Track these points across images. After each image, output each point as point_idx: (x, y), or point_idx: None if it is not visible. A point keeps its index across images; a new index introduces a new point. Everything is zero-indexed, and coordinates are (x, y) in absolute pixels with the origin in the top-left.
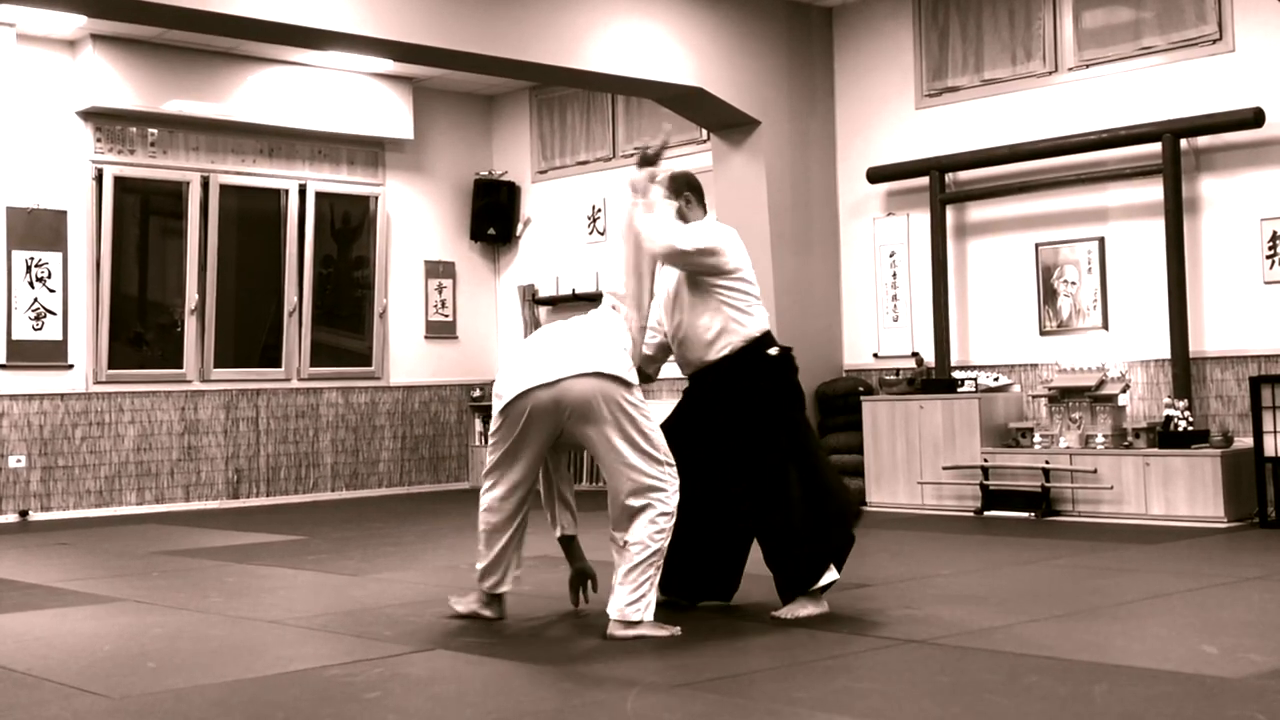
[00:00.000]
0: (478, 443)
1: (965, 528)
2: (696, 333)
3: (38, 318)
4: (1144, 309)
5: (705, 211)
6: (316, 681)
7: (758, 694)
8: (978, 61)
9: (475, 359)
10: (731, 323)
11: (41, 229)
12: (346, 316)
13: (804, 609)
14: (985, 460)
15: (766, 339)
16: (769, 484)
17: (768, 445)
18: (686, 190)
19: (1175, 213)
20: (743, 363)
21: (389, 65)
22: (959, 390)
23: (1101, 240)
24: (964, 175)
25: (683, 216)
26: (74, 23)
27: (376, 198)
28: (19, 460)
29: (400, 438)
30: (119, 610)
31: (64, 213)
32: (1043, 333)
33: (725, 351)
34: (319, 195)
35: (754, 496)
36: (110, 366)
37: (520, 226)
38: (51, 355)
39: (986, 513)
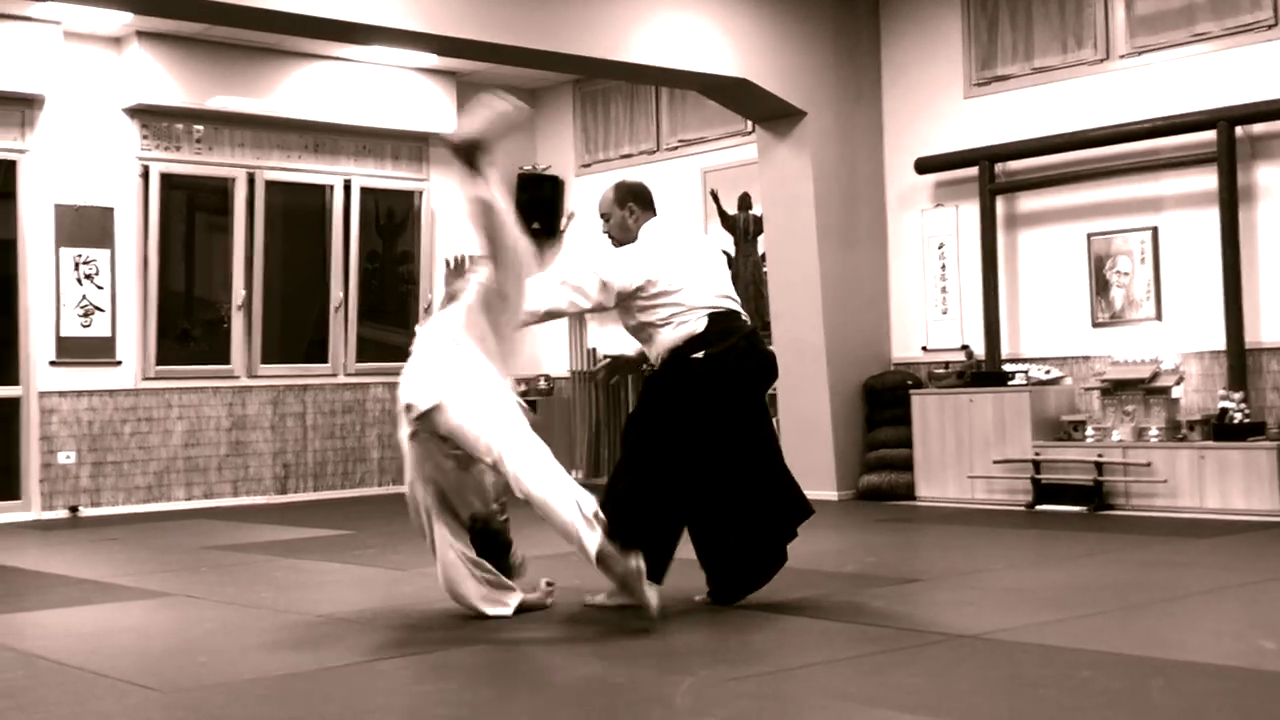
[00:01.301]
0: None
1: (1017, 522)
2: (635, 338)
3: (86, 315)
4: (1198, 299)
5: (654, 213)
6: (366, 675)
7: (807, 689)
8: (1028, 49)
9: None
10: (654, 334)
11: (89, 226)
12: (392, 312)
13: (599, 596)
14: (1037, 454)
15: (693, 343)
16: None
17: (678, 451)
18: (630, 201)
19: (1230, 202)
20: (666, 371)
21: (433, 60)
22: (1010, 383)
23: (1155, 230)
24: (1014, 165)
25: (625, 227)
26: (120, 20)
27: (421, 192)
28: (69, 456)
29: None
30: (169, 605)
31: (111, 210)
32: (1095, 324)
33: (655, 360)
34: (364, 190)
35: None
36: (158, 363)
37: (565, 220)
38: (100, 352)
39: (1038, 507)
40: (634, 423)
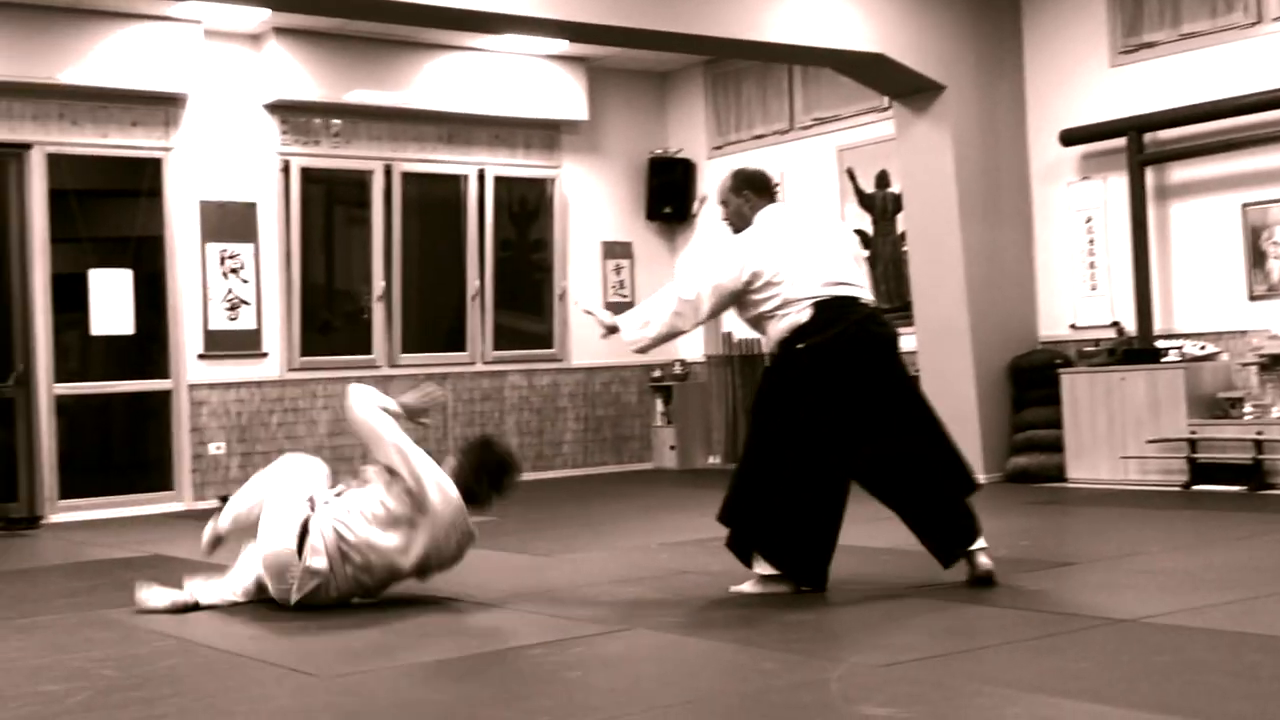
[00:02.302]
0: (659, 423)
1: (1173, 503)
2: (753, 329)
3: (232, 308)
4: None
5: (771, 199)
6: (519, 660)
7: (965, 674)
8: (1175, 15)
9: None
10: (766, 325)
11: (233, 221)
12: (527, 299)
13: (743, 585)
14: (1192, 432)
15: (797, 334)
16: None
17: (801, 443)
18: (746, 188)
19: None
20: (775, 363)
21: (563, 46)
22: (1163, 360)
23: None
24: (1164, 135)
25: (741, 214)
26: (258, 17)
27: (553, 180)
28: (218, 447)
29: (583, 419)
30: None
31: (254, 205)
32: (1252, 297)
33: (769, 350)
34: (497, 180)
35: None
36: (303, 354)
37: (697, 204)
38: (246, 344)
39: (1194, 487)
40: (753, 418)
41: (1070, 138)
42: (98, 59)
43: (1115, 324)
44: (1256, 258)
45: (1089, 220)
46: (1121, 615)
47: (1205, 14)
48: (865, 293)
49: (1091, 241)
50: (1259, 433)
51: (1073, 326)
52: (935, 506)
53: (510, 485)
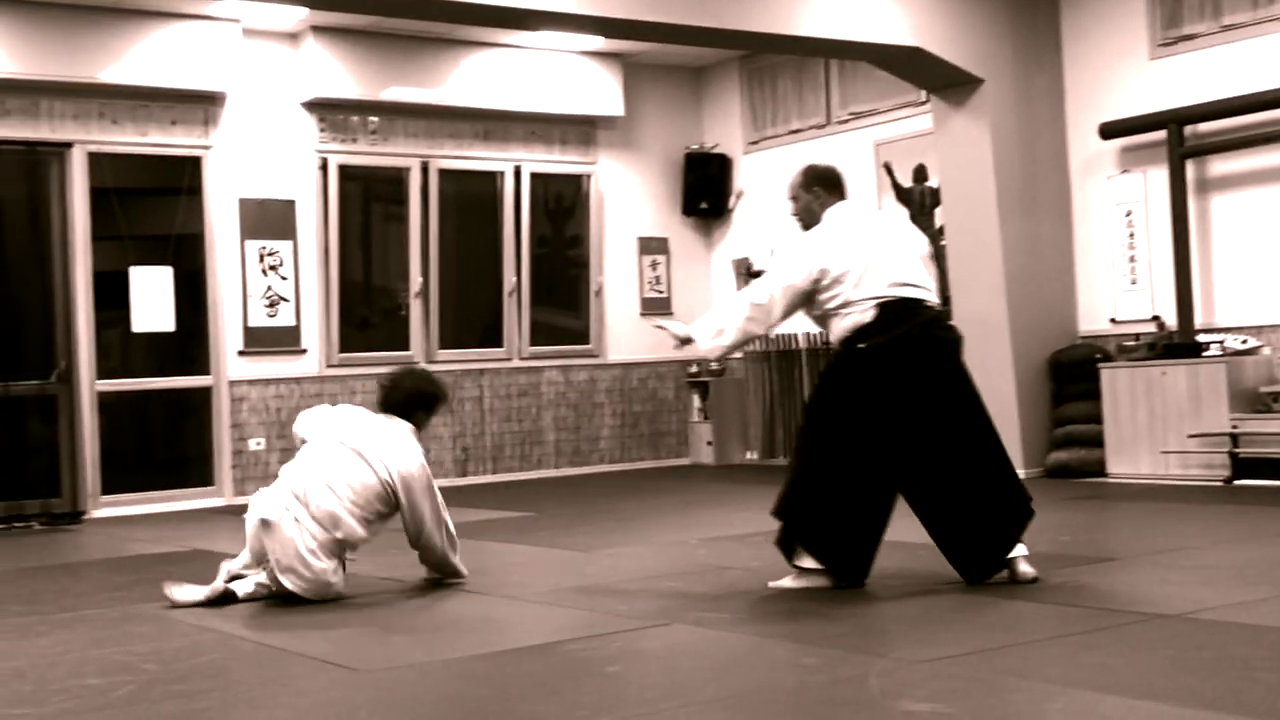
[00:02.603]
0: (696, 418)
1: (1214, 498)
2: (819, 326)
3: (271, 305)
4: None
5: (841, 197)
6: (557, 655)
7: (1006, 670)
8: (1215, 6)
9: None
10: (830, 322)
11: (272, 219)
12: (563, 295)
13: (783, 579)
14: (1234, 427)
15: (859, 333)
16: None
17: (856, 442)
18: (816, 185)
19: None
20: (836, 361)
21: (599, 43)
22: (1204, 354)
23: None
24: (1204, 127)
25: (810, 211)
26: (296, 15)
27: (589, 176)
28: (258, 443)
29: (620, 415)
30: (358, 586)
31: (292, 202)
32: None
33: (835, 347)
34: (533, 176)
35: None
36: (341, 350)
37: (733, 199)
38: (285, 341)
39: (1236, 482)
40: (809, 414)
41: (1110, 131)
42: (137, 58)
43: (1156, 318)
44: None
45: (1129, 214)
46: (1164, 611)
47: (1246, 5)
48: (932, 295)
49: (1131, 235)
50: None
51: (1113, 321)
52: (969, 517)
53: (439, 403)
